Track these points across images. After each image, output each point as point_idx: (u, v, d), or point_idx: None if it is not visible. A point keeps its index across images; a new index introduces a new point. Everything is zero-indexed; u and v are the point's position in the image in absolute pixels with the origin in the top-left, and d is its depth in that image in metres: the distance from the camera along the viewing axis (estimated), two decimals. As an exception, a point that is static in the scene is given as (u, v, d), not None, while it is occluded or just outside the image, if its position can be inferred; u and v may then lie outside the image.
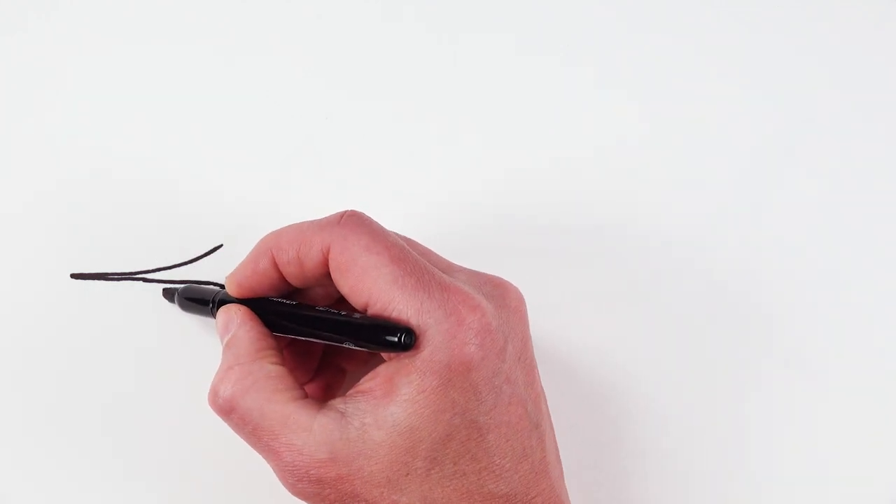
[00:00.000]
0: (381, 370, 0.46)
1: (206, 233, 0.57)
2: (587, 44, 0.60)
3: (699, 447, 0.56)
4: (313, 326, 0.48)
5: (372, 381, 0.46)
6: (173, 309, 0.56)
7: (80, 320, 0.56)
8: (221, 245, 0.57)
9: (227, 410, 0.47)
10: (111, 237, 0.57)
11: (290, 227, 0.49)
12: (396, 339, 0.44)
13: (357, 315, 0.46)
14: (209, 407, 0.48)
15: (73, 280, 0.56)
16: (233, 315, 0.50)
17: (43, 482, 0.54)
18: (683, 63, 0.60)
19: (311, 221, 0.48)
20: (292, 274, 0.49)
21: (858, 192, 0.59)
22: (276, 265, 0.49)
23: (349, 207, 0.48)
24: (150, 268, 0.56)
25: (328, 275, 0.48)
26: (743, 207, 0.59)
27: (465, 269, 0.49)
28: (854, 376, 0.57)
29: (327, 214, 0.48)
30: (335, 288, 0.48)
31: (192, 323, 0.56)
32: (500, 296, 0.47)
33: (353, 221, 0.47)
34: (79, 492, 0.54)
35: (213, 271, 0.56)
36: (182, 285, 0.56)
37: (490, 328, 0.45)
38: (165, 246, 0.57)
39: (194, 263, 0.57)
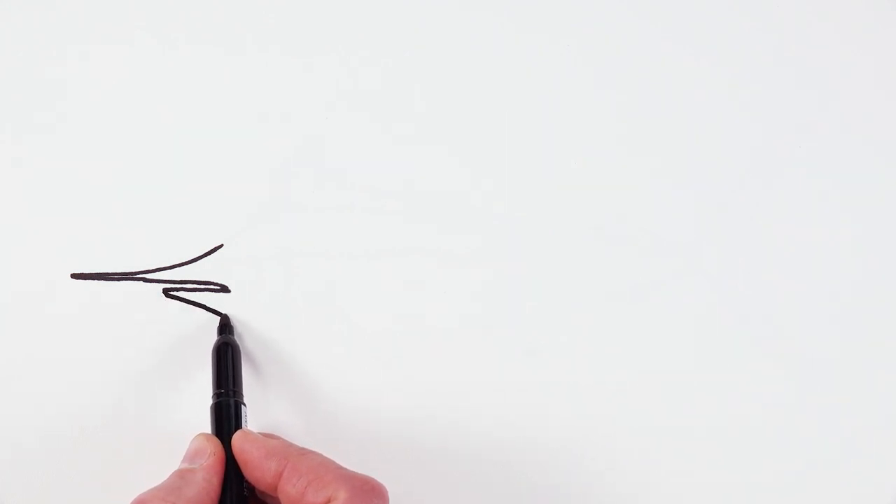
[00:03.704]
0: None
1: (206, 233, 0.57)
2: (585, 43, 0.60)
3: (698, 447, 0.56)
4: None
5: None
6: (173, 309, 0.56)
7: (80, 320, 0.56)
8: (222, 245, 0.57)
9: None
10: (111, 237, 0.57)
11: (313, 455, 0.50)
12: None
13: None
14: None
15: (73, 280, 0.56)
16: (208, 453, 0.51)
17: (42, 482, 0.54)
18: (685, 63, 0.60)
19: (337, 466, 0.49)
20: (275, 489, 0.50)
21: (858, 192, 0.59)
22: (278, 473, 0.50)
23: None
24: (150, 268, 0.56)
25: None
26: (743, 207, 0.59)
27: None
28: (856, 377, 0.57)
29: (357, 471, 0.49)
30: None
31: (193, 323, 0.56)
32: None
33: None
34: (78, 492, 0.54)
35: (214, 271, 0.56)
36: (181, 285, 0.56)
37: None
38: (165, 246, 0.57)
39: (194, 263, 0.57)
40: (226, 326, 0.55)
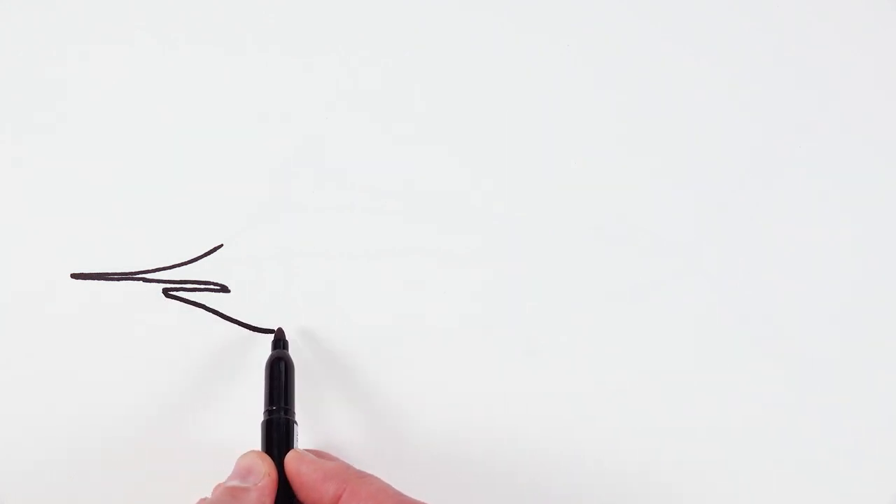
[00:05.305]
0: None
1: (206, 233, 0.57)
2: (585, 43, 0.60)
3: (698, 446, 0.56)
4: None
5: None
6: (173, 309, 0.56)
7: (80, 320, 0.56)
8: (221, 245, 0.57)
9: None
10: (111, 237, 0.57)
11: (372, 479, 0.50)
12: None
13: None
14: None
15: (73, 280, 0.56)
16: (262, 473, 0.50)
17: (41, 482, 0.54)
18: (685, 63, 0.60)
19: (396, 492, 0.49)
20: None
21: (858, 192, 0.59)
22: (336, 496, 0.49)
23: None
24: (150, 268, 0.56)
25: None
26: (743, 207, 0.59)
27: None
28: (856, 377, 0.57)
29: (416, 498, 0.49)
30: None
31: (193, 323, 0.56)
32: None
33: None
34: (77, 491, 0.54)
35: (214, 271, 0.56)
36: (181, 285, 0.56)
37: None
38: (165, 246, 0.57)
39: (194, 263, 0.57)
40: (280, 341, 0.54)
